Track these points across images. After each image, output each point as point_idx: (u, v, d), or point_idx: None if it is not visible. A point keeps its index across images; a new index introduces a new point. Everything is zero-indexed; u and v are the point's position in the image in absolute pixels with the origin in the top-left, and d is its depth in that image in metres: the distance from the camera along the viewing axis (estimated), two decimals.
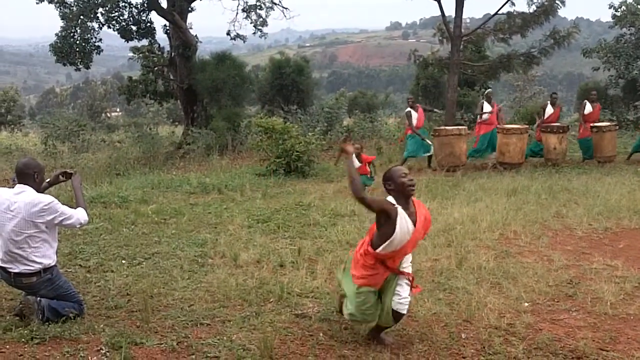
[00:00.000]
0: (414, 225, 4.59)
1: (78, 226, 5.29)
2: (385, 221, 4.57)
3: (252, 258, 7.12)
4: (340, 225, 8.75)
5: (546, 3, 17.63)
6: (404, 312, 4.74)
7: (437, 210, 9.54)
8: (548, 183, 11.89)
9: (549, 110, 15.11)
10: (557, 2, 17.51)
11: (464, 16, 18.28)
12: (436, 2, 17.93)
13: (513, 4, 17.99)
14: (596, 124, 14.83)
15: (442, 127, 14.50)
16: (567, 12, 54.05)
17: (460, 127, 14.57)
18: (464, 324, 5.32)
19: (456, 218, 8.92)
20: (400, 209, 4.55)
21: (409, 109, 14.49)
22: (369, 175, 11.53)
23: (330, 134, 20.19)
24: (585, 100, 15.42)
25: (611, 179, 12.39)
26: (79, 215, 5.24)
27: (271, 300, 5.83)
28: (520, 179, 12.29)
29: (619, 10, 25.80)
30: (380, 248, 4.60)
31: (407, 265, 4.84)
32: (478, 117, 15.14)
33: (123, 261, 7.01)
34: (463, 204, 9.94)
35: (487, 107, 14.71)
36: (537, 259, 7.18)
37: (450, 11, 17.93)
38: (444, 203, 10.12)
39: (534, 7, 17.73)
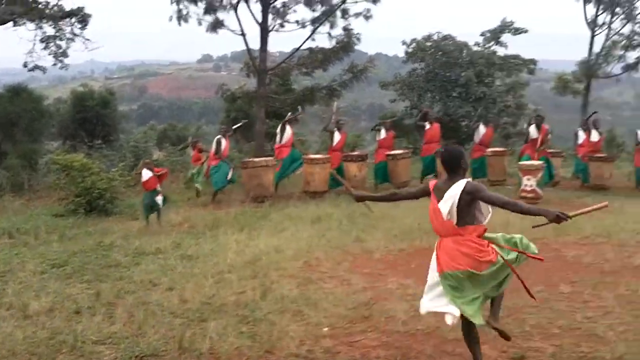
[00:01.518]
0: None
1: None
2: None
3: (44, 307, 6.65)
4: (144, 264, 8.55)
5: (345, 40, 18.55)
6: None
7: (245, 242, 9.64)
8: (349, 209, 12.41)
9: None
10: (354, 39, 18.48)
11: (273, 50, 18.77)
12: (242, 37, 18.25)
13: (314, 39, 18.67)
14: (391, 152, 15.80)
15: (250, 159, 14.75)
16: (367, 48, 57.11)
17: (267, 158, 14.88)
18: (266, 355, 5.43)
19: (262, 249, 9.07)
20: None
21: (219, 136, 14.58)
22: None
23: (136, 168, 19.65)
24: (382, 127, 16.41)
25: (407, 203, 13.20)
26: None
27: (63, 351, 5.54)
28: (324, 207, 12.76)
29: (410, 46, 27.79)
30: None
31: None
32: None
33: None
34: (269, 234, 10.13)
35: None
36: (337, 283, 7.50)
37: (257, 45, 18.32)
38: (251, 234, 10.25)
39: (333, 43, 18.57)
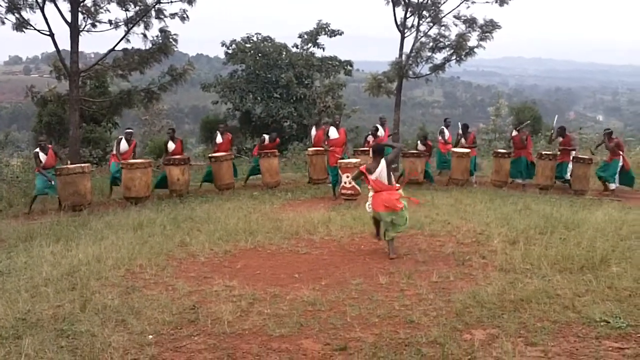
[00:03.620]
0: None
1: None
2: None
3: None
4: None
5: (161, 41, 18.15)
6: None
7: (62, 253, 9.16)
8: (173, 214, 12.25)
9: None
10: (171, 40, 18.15)
11: (88, 51, 18.01)
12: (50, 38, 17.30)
13: (129, 41, 18.10)
14: (214, 154, 15.76)
15: (65, 166, 14.01)
16: (188, 49, 56.66)
17: (83, 165, 14.22)
18: None
19: (81, 259, 8.67)
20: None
21: (37, 150, 13.80)
22: None
23: None
24: (217, 131, 16.34)
25: (230, 204, 13.30)
26: None
27: None
28: (146, 212, 12.43)
29: (230, 48, 27.82)
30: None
31: None
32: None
33: None
34: (89, 244, 9.70)
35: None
36: (162, 289, 7.37)
37: (68, 46, 17.40)
38: (68, 245, 9.74)
39: (149, 44, 18.11)
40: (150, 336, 5.88)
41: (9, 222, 12.48)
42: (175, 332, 6.00)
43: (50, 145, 14.12)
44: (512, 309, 6.40)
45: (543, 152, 16.08)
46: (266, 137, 17.05)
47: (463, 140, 17.10)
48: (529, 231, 9.99)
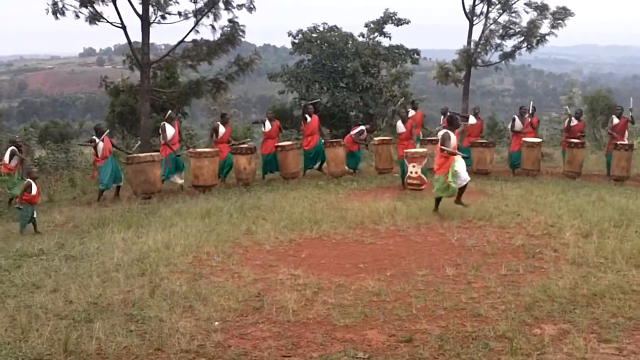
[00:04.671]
0: None
1: None
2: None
3: None
4: (26, 266, 8.19)
5: (230, 32, 18.37)
6: None
7: (132, 239, 9.40)
8: (239, 202, 12.38)
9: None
10: (239, 31, 18.33)
11: (159, 43, 18.39)
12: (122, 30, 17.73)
13: (198, 32, 18.39)
14: (281, 144, 15.83)
15: (135, 155, 14.34)
16: (255, 39, 57.14)
17: (153, 153, 14.51)
18: (156, 353, 5.34)
19: (150, 246, 8.87)
20: None
21: (94, 137, 13.95)
22: None
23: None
24: (265, 118, 16.29)
25: (296, 193, 13.35)
26: None
27: None
28: (214, 201, 12.60)
29: (296, 38, 27.89)
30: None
31: None
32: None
33: None
34: (158, 231, 9.91)
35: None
36: (228, 277, 7.46)
37: (139, 38, 17.83)
38: (139, 232, 9.98)
39: (218, 36, 18.36)
40: (217, 323, 5.96)
41: (83, 209, 12.85)
42: (240, 319, 6.07)
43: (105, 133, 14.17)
44: (585, 304, 6.22)
45: (618, 142, 15.52)
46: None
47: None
48: (603, 224, 9.67)
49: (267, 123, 15.90)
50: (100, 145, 13.78)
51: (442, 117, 16.41)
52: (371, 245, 8.95)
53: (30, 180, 11.08)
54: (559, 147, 18.75)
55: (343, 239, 9.33)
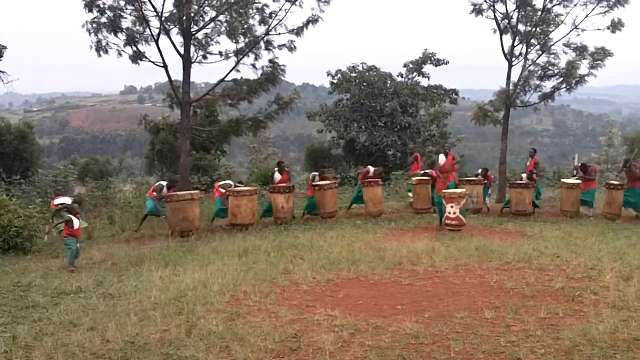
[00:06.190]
0: None
1: None
2: None
3: None
4: (63, 304, 8.22)
5: (270, 71, 18.61)
6: None
7: (169, 277, 9.44)
8: (277, 241, 12.39)
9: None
10: (279, 70, 18.56)
11: (199, 81, 18.68)
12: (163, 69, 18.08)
13: (238, 71, 18.65)
14: (318, 183, 15.88)
15: (174, 193, 14.50)
16: (294, 78, 57.77)
17: (193, 192, 14.66)
18: None
19: (188, 284, 8.89)
20: None
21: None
22: None
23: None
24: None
25: (333, 232, 13.32)
26: None
27: None
28: (251, 239, 12.65)
29: (335, 77, 28.16)
30: None
31: None
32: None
33: None
34: (196, 269, 9.94)
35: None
36: (264, 316, 7.42)
37: (180, 77, 18.16)
38: (176, 270, 10.03)
39: (258, 74, 18.59)
40: None
41: (121, 246, 12.98)
42: None
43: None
44: (625, 349, 6.04)
45: None
46: (371, 168, 17.04)
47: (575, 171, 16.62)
48: None
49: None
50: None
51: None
52: (409, 286, 8.85)
53: (71, 216, 11.27)
54: (599, 188, 18.49)
55: (381, 280, 9.25)
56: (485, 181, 16.98)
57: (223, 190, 15.12)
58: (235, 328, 6.93)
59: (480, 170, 17.56)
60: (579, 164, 16.76)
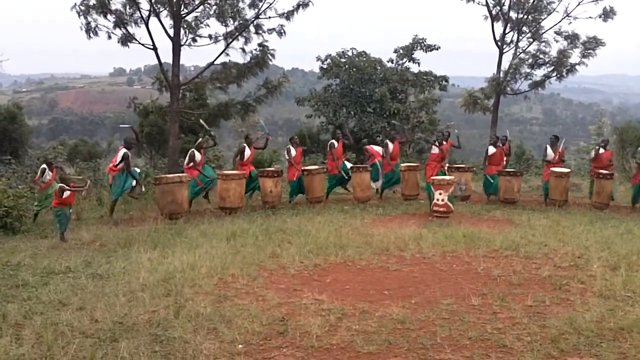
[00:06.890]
0: None
1: None
2: None
3: None
4: (53, 284, 8.24)
5: (259, 55, 18.56)
6: None
7: (158, 259, 9.45)
8: (265, 225, 12.41)
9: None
10: (268, 55, 18.52)
11: (188, 64, 18.62)
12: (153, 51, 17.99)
13: (228, 54, 18.60)
14: (307, 167, 15.89)
15: (163, 175, 14.46)
16: (283, 63, 57.64)
17: (181, 174, 14.63)
18: None
19: (176, 266, 8.91)
20: None
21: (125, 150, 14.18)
22: None
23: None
24: (289, 145, 16.28)
25: (321, 217, 13.34)
26: None
27: None
28: (239, 223, 12.67)
29: (325, 62, 28.09)
30: None
31: None
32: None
33: None
34: (184, 251, 9.94)
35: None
36: (252, 299, 7.46)
37: (170, 59, 18.10)
38: (164, 252, 10.03)
39: (247, 58, 18.54)
40: (240, 345, 5.96)
41: (110, 228, 12.97)
42: (264, 343, 6.06)
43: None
44: (612, 338, 6.11)
45: None
46: (334, 142, 16.74)
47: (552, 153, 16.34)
48: (631, 257, 9.52)
49: (292, 149, 15.91)
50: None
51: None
52: (396, 272, 8.91)
53: (63, 185, 11.36)
54: (587, 177, 18.55)
55: (368, 265, 9.30)
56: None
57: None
58: (223, 310, 6.97)
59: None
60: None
